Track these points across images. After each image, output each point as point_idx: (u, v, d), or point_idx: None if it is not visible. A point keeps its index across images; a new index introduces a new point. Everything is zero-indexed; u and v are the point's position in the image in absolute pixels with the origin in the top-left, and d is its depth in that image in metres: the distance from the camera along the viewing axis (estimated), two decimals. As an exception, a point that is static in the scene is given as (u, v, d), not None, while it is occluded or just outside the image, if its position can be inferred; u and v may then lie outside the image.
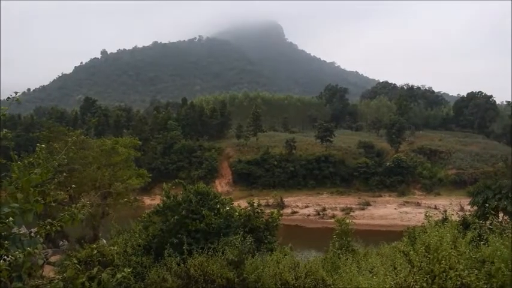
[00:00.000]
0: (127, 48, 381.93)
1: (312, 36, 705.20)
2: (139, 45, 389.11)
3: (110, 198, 37.38)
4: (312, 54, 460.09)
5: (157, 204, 16.83)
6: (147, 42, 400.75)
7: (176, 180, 18.85)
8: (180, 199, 15.95)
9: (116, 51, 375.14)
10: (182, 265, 12.74)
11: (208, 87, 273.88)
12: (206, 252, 13.06)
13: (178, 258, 13.05)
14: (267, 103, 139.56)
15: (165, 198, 16.33)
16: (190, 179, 71.65)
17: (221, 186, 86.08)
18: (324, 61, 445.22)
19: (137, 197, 43.32)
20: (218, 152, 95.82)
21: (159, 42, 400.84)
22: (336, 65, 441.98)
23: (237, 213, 16.87)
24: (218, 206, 16.02)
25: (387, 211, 70.93)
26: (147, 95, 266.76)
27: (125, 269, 5.04)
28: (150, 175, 44.34)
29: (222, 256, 12.80)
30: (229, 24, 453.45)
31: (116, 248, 13.85)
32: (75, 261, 5.52)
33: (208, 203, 15.91)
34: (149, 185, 59.24)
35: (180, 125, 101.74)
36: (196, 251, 13.27)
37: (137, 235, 15.73)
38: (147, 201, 64.80)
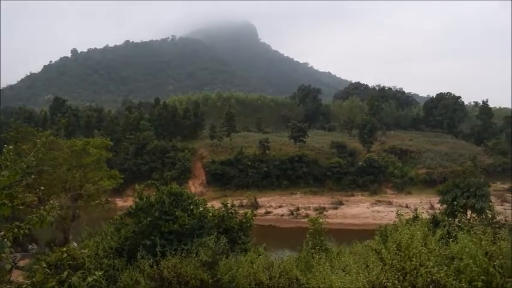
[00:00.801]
0: (98, 47, 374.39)
1: (285, 36, 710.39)
2: (111, 44, 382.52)
3: (80, 200, 36.60)
4: (285, 55, 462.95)
5: (130, 206, 16.61)
6: (119, 42, 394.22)
7: (149, 181, 18.65)
8: (153, 200, 15.78)
9: (86, 50, 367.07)
10: (155, 267, 12.60)
11: (181, 87, 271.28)
12: (180, 253, 12.96)
13: (152, 260, 12.90)
14: (240, 103, 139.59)
15: (137, 199, 16.13)
16: (163, 179, 70.99)
17: (195, 187, 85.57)
18: (297, 62, 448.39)
19: (109, 199, 42.55)
20: (191, 152, 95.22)
21: (131, 41, 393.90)
22: (309, 66, 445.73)
23: (210, 214, 16.84)
24: (192, 207, 15.92)
25: (360, 210, 71.96)
26: (119, 94, 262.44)
27: (96, 272, 4.97)
28: (122, 176, 43.59)
29: (196, 257, 12.72)
30: (202, 24, 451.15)
31: (86, 251, 13.60)
32: (45, 265, 5.41)
33: (182, 204, 15.79)
34: (121, 186, 58.20)
35: (152, 126, 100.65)
36: (170, 252, 13.15)
37: (109, 237, 15.48)
38: (119, 203, 63.84)
